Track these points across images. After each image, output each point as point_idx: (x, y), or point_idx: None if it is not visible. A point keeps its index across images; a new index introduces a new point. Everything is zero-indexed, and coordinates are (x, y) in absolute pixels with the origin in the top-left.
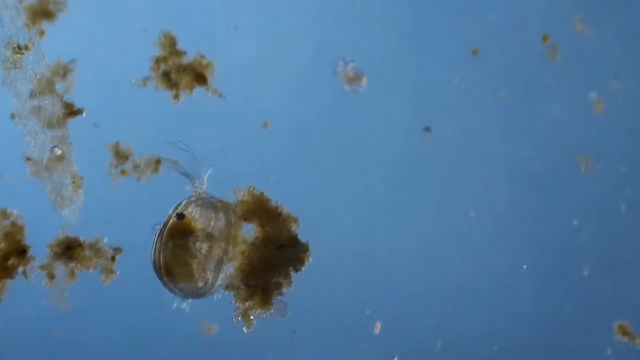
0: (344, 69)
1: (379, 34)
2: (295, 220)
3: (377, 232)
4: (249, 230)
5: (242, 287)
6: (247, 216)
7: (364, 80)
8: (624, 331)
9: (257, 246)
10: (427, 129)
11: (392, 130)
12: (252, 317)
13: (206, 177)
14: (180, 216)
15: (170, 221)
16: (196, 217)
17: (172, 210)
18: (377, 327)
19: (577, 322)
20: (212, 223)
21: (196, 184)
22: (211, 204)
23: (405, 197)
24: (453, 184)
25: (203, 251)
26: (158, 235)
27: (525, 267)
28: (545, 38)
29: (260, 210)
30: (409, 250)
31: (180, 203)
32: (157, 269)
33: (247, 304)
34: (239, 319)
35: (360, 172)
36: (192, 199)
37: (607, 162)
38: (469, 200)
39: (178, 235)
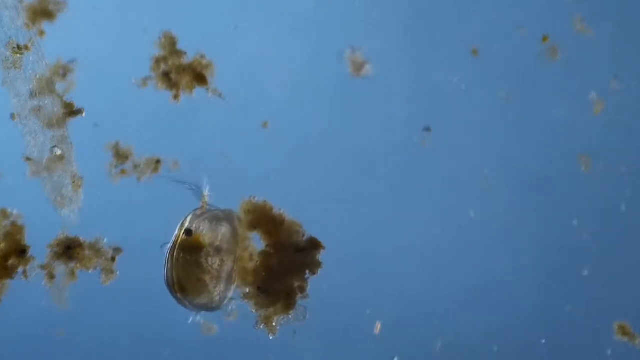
0: (351, 55)
1: (379, 34)
2: (299, 225)
3: (377, 232)
4: (257, 237)
5: (260, 294)
6: (253, 226)
7: (367, 68)
8: (624, 331)
9: (270, 253)
10: (427, 129)
11: (392, 130)
12: (274, 324)
13: (207, 191)
14: (188, 232)
15: (179, 238)
16: (204, 231)
17: (178, 227)
18: (377, 327)
19: (577, 322)
20: (220, 236)
21: (203, 198)
22: (215, 216)
23: (405, 197)
24: (453, 184)
25: (215, 266)
26: (169, 253)
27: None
28: (545, 38)
29: (265, 218)
30: (409, 250)
31: (186, 218)
32: (170, 286)
33: (270, 310)
34: (262, 327)
35: (360, 172)
36: (198, 212)
37: (607, 162)
38: (469, 200)
39: (189, 252)
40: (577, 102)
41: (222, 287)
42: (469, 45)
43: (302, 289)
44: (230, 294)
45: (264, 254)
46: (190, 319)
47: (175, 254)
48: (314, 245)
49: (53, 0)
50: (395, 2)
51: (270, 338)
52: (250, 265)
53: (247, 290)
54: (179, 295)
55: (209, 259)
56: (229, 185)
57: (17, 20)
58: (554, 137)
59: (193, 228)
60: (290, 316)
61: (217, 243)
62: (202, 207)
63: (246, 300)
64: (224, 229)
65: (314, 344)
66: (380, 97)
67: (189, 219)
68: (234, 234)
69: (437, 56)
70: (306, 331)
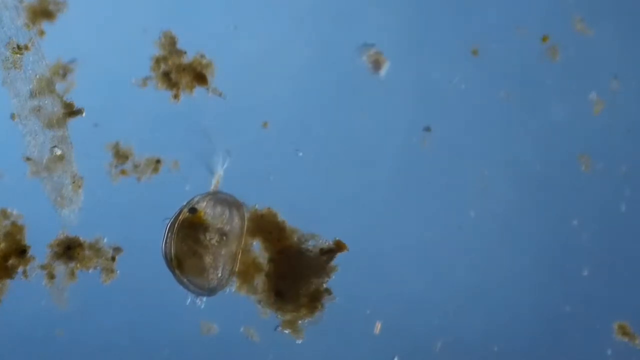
0: (367, 53)
1: (379, 34)
2: (303, 233)
3: (377, 232)
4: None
5: (279, 299)
6: (257, 234)
7: (385, 65)
8: (624, 331)
9: (279, 259)
10: (427, 129)
11: (392, 130)
12: (298, 327)
13: (222, 172)
14: (192, 210)
15: (182, 214)
16: (209, 212)
17: (185, 203)
18: (377, 327)
19: (577, 322)
20: (226, 220)
21: (216, 180)
22: (225, 201)
23: (405, 197)
24: (453, 184)
25: (214, 242)
26: (169, 228)
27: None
28: (545, 38)
29: (269, 226)
30: (409, 250)
31: (193, 197)
32: (168, 261)
33: (294, 315)
34: (285, 331)
35: (360, 172)
36: (208, 194)
37: (607, 162)
38: (469, 200)
39: (189, 228)
40: (577, 102)
41: (220, 268)
42: (469, 45)
43: (329, 291)
44: (230, 278)
45: (274, 260)
46: (189, 300)
47: (175, 229)
48: (339, 247)
49: (53, 0)
50: (394, 2)
51: (298, 342)
52: (260, 271)
53: (262, 297)
54: (176, 271)
55: (207, 235)
56: (228, 186)
57: (17, 20)
58: (554, 137)
59: (198, 207)
60: (313, 318)
61: (221, 226)
62: (214, 188)
63: (262, 307)
64: (233, 215)
65: (314, 343)
66: (380, 97)
67: (197, 198)
68: (242, 222)
69: (437, 56)
70: (306, 331)
